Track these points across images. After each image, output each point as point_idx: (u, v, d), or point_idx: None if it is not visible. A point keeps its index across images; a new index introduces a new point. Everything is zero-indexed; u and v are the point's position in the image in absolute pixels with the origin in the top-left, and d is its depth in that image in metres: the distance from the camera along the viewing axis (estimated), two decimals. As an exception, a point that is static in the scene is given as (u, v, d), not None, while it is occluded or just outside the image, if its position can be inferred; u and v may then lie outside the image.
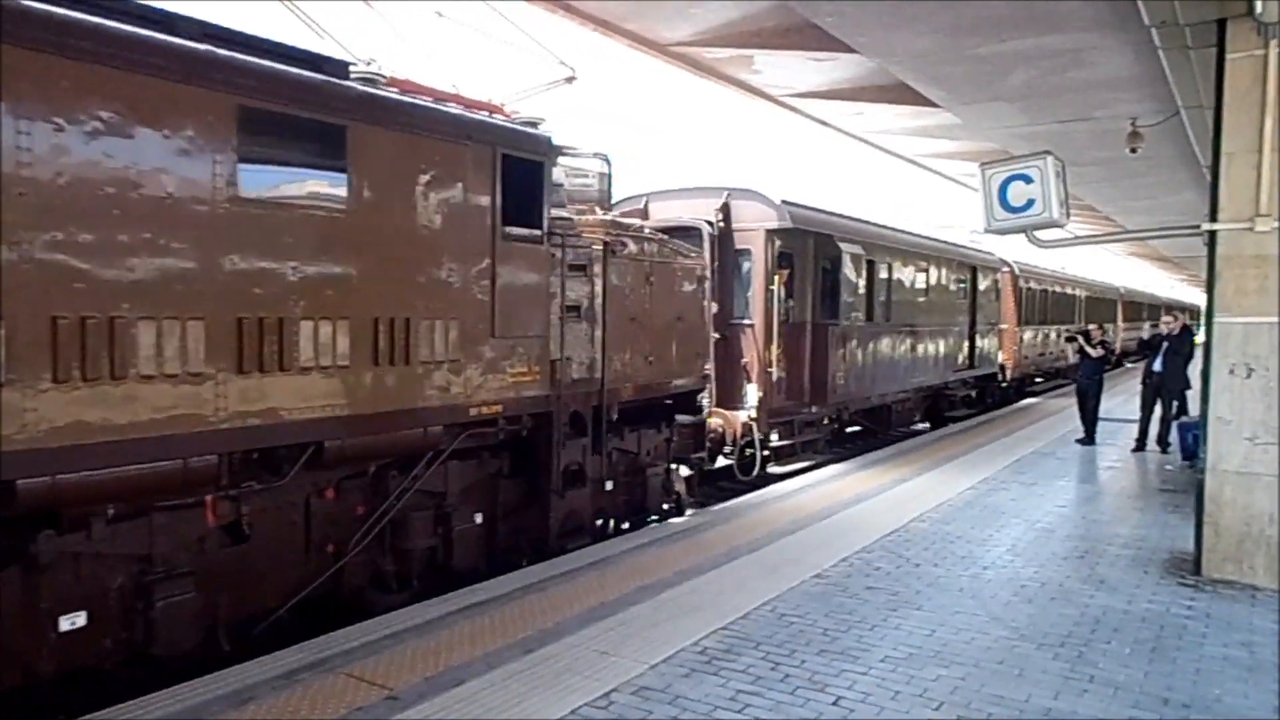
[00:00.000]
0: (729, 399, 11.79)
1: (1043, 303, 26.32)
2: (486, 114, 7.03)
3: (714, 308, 10.63)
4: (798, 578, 6.75)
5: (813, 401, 12.78)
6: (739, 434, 11.50)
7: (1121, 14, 8.50)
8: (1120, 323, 38.33)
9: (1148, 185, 19.14)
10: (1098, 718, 4.50)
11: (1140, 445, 13.35)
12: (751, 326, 11.91)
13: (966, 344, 19.29)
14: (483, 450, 7.17)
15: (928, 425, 18.10)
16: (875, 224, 15.35)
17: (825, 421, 14.01)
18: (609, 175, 8.44)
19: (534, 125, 7.34)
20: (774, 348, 11.78)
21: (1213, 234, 6.97)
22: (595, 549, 7.66)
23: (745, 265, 12.03)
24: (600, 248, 8.04)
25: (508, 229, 6.86)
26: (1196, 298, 66.43)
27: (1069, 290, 30.17)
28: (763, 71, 13.64)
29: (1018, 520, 8.81)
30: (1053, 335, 27.11)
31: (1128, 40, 9.46)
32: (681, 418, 9.58)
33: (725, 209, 12.00)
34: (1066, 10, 8.86)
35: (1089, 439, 14.04)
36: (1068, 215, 7.63)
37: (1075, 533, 8.43)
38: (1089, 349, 14.25)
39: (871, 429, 16.29)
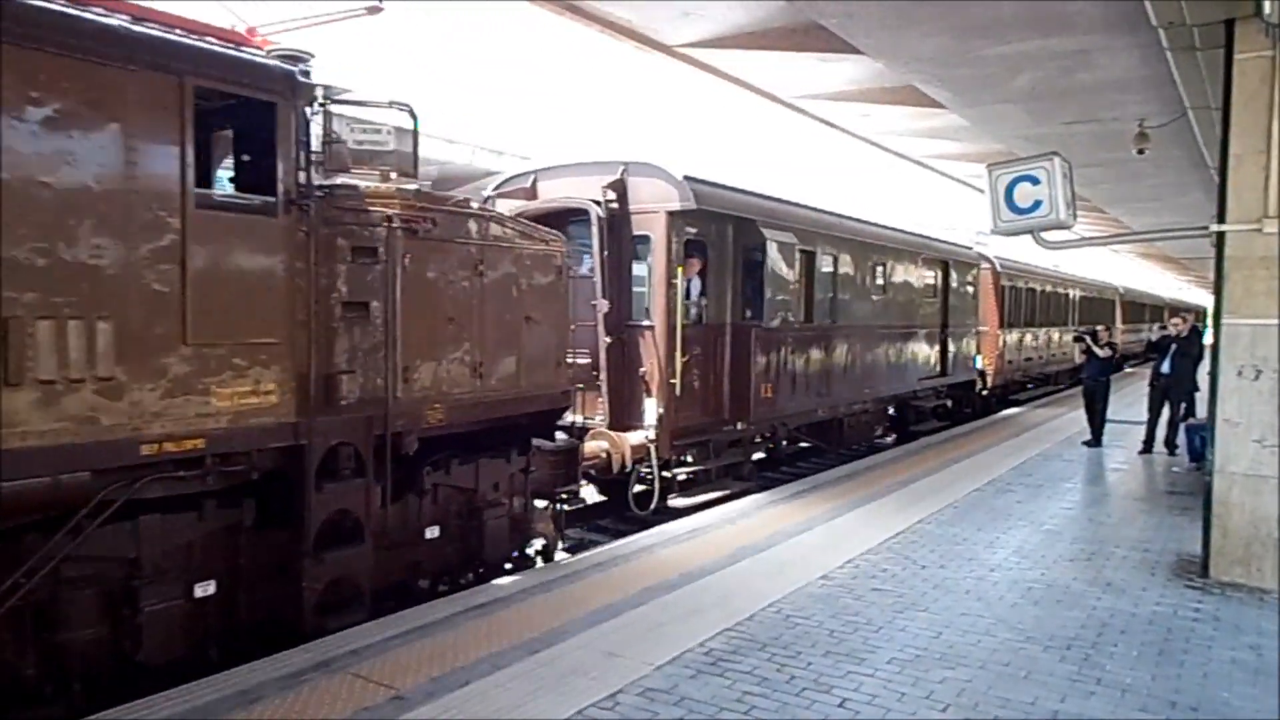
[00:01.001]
0: (626, 417, 9.78)
1: (1030, 303, 24.20)
2: (203, 39, 5.18)
3: (605, 306, 9.50)
4: (803, 579, 6.75)
5: (735, 417, 10.69)
6: (628, 459, 9.47)
7: (1128, 15, 8.48)
8: (1119, 324, 36.41)
9: (1155, 187, 19.08)
10: (1105, 720, 4.49)
11: (1147, 447, 13.30)
12: (651, 329, 9.74)
13: (937, 348, 17.06)
14: (207, 498, 5.29)
15: (894, 439, 16.11)
16: (816, 209, 12.93)
17: (757, 440, 12.01)
18: (414, 133, 6.03)
19: (296, 61, 5.53)
20: (679, 354, 9.61)
21: (1220, 235, 6.95)
22: (601, 550, 7.66)
23: (645, 255, 9.95)
24: (395, 225, 6.08)
25: (206, 192, 5.27)
26: (1201, 299, 66.18)
27: (1060, 289, 28.07)
28: (769, 74, 13.64)
29: (1024, 522, 8.79)
30: (1042, 338, 25.17)
31: (1135, 42, 9.44)
32: (542, 443, 7.86)
33: (620, 187, 9.88)
34: (1073, 12, 8.84)
35: (1096, 441, 13.99)
36: (1075, 216, 7.61)
37: (1082, 535, 8.40)
38: (1096, 349, 14.21)
39: (822, 446, 14.16)
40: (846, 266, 13.23)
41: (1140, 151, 13.09)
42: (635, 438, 9.56)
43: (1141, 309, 44.02)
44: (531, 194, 10.44)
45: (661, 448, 9.65)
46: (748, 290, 10.99)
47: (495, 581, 6.72)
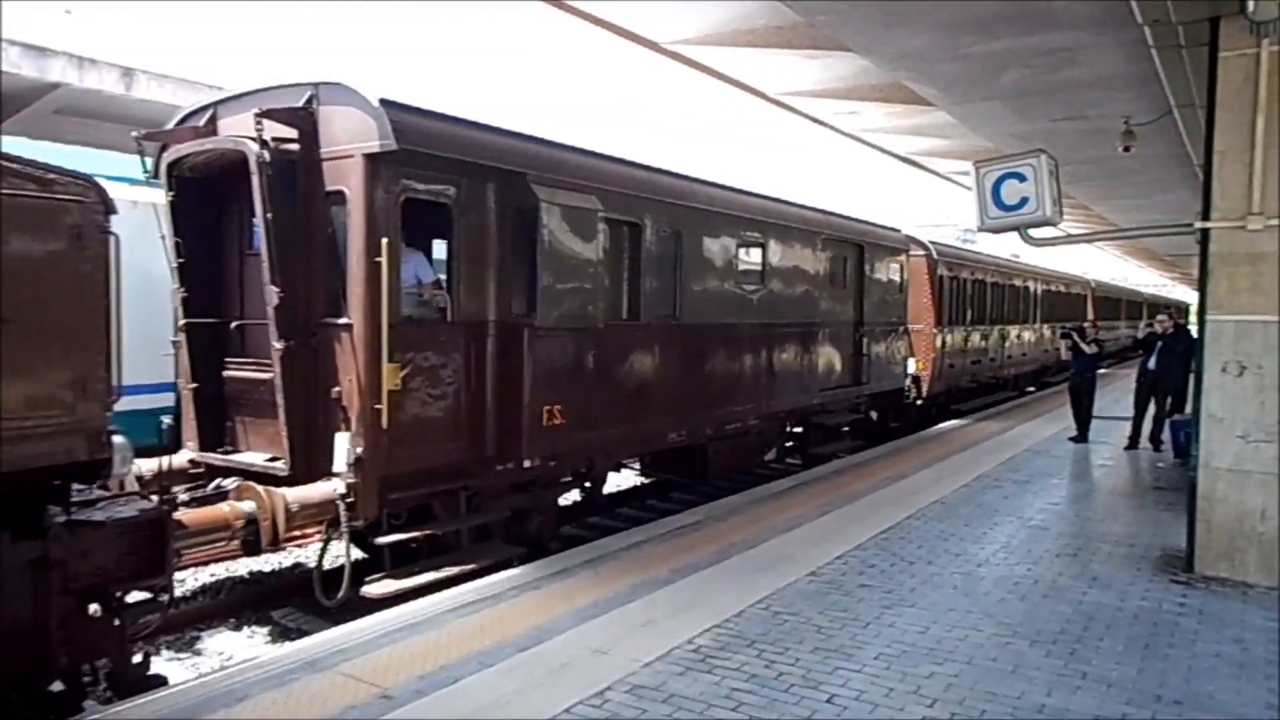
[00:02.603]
0: (319, 459, 6.75)
1: (976, 296, 20.66)
2: None
3: (274, 296, 6.65)
4: (792, 575, 6.76)
5: (504, 454, 7.61)
6: (282, 526, 6.35)
7: (1115, 13, 8.51)
8: (1084, 322, 34.90)
9: (1141, 184, 19.17)
10: (1091, 714, 4.52)
11: (1133, 443, 13.40)
12: (349, 329, 6.68)
13: (849, 351, 13.82)
14: None
15: (799, 463, 13.30)
16: (644, 167, 9.64)
17: (564, 480, 8.91)
18: None
19: None
20: (387, 366, 6.56)
21: (1205, 232, 7.00)
22: (590, 546, 7.66)
23: (341, 220, 6.85)
24: None
25: None
26: (1184, 295, 66.47)
27: (1016, 281, 24.19)
28: (756, 70, 13.63)
29: (1011, 518, 8.83)
30: (994, 337, 21.78)
31: (1121, 39, 9.48)
32: (93, 514, 5.09)
33: (307, 120, 6.92)
34: (1060, 9, 8.87)
35: (1082, 437, 14.09)
36: (1061, 214, 7.66)
37: (1068, 530, 8.45)
38: (1083, 346, 14.30)
39: (676, 480, 11.65)
40: (700, 246, 10.02)
41: (1126, 149, 13.16)
42: (316, 492, 6.53)
43: (1117, 305, 41.16)
44: (211, 129, 7.54)
45: (363, 504, 6.62)
46: (522, 275, 7.83)
47: (484, 579, 6.70)
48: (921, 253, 17.73)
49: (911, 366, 16.90)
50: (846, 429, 14.64)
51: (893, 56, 10.92)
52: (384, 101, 6.67)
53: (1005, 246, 25.31)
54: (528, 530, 8.20)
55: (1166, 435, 12.94)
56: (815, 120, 16.53)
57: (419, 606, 6.02)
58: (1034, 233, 7.88)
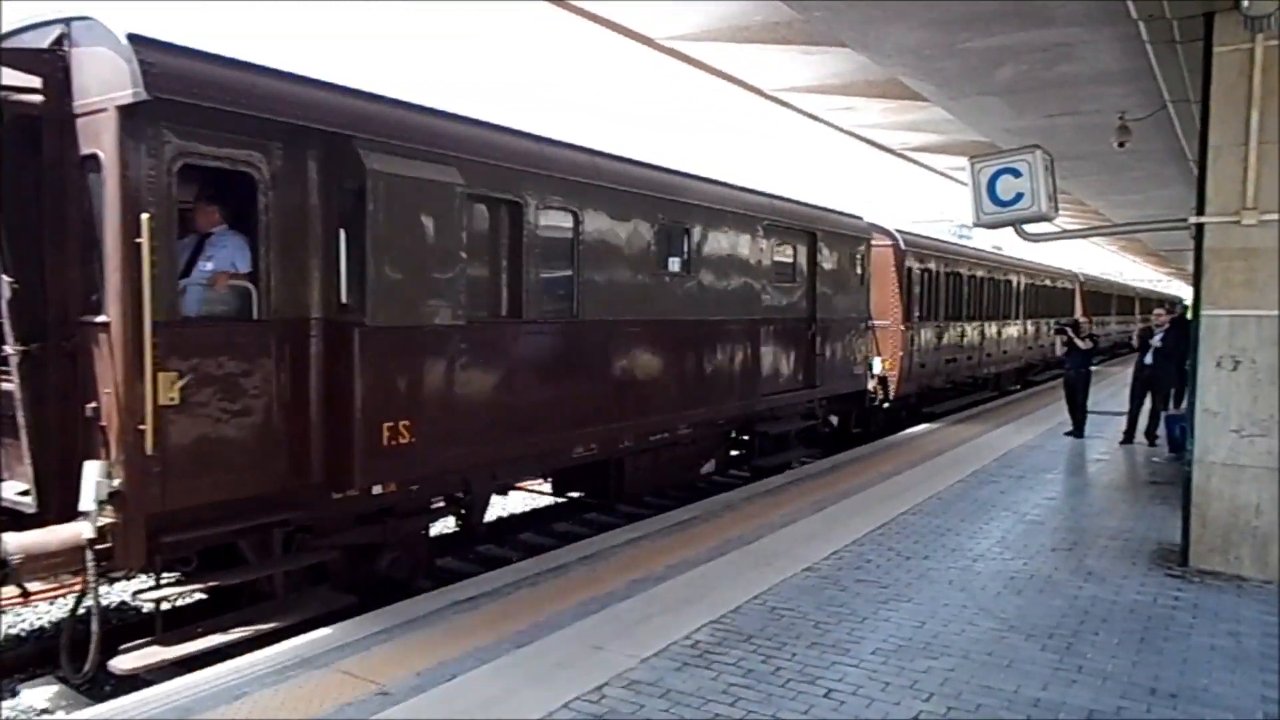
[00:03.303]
0: (72, 493, 5.24)
1: (951, 290, 19.12)
2: None
3: (6, 289, 5.40)
4: (788, 571, 6.77)
5: (334, 482, 6.19)
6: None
7: (1110, 8, 8.51)
8: (1082, 317, 33.40)
9: (1136, 179, 19.19)
10: (1086, 708, 4.53)
11: (1128, 438, 13.43)
12: (106, 329, 5.32)
13: (801, 350, 12.47)
14: None
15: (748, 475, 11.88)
16: (526, 135, 8.06)
17: (433, 508, 7.52)
18: None
19: None
20: (151, 375, 5.19)
21: (1200, 227, 7.01)
22: (586, 543, 7.67)
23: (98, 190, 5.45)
24: None
25: None
26: (1178, 290, 66.44)
27: (998, 275, 22.61)
28: (752, 66, 13.63)
29: (1007, 513, 8.85)
30: (972, 334, 20.43)
31: (1116, 34, 9.48)
32: None
33: (57, 67, 5.55)
34: (1055, 5, 8.87)
35: (1078, 432, 14.13)
36: (1056, 209, 7.66)
37: (1064, 525, 8.48)
38: (1078, 341, 14.34)
39: (591, 501, 10.46)
40: (605, 231, 8.61)
41: (1121, 144, 13.17)
42: (53, 537, 5.14)
43: (1106, 300, 39.03)
44: None
45: (124, 550, 5.23)
46: (351, 263, 6.29)
47: (481, 575, 6.71)
48: (887, 242, 16.17)
49: (877, 366, 15.65)
50: (800, 436, 13.30)
51: (888, 52, 10.92)
52: (134, 38, 5.23)
53: (991, 238, 24.85)
54: (377, 569, 6.81)
55: (1161, 430, 12.98)
56: (811, 116, 16.53)
57: (417, 603, 6.03)
58: (1029, 228, 7.89)
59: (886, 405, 16.11)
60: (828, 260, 13.12)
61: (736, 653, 5.19)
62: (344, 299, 6.21)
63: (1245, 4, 6.29)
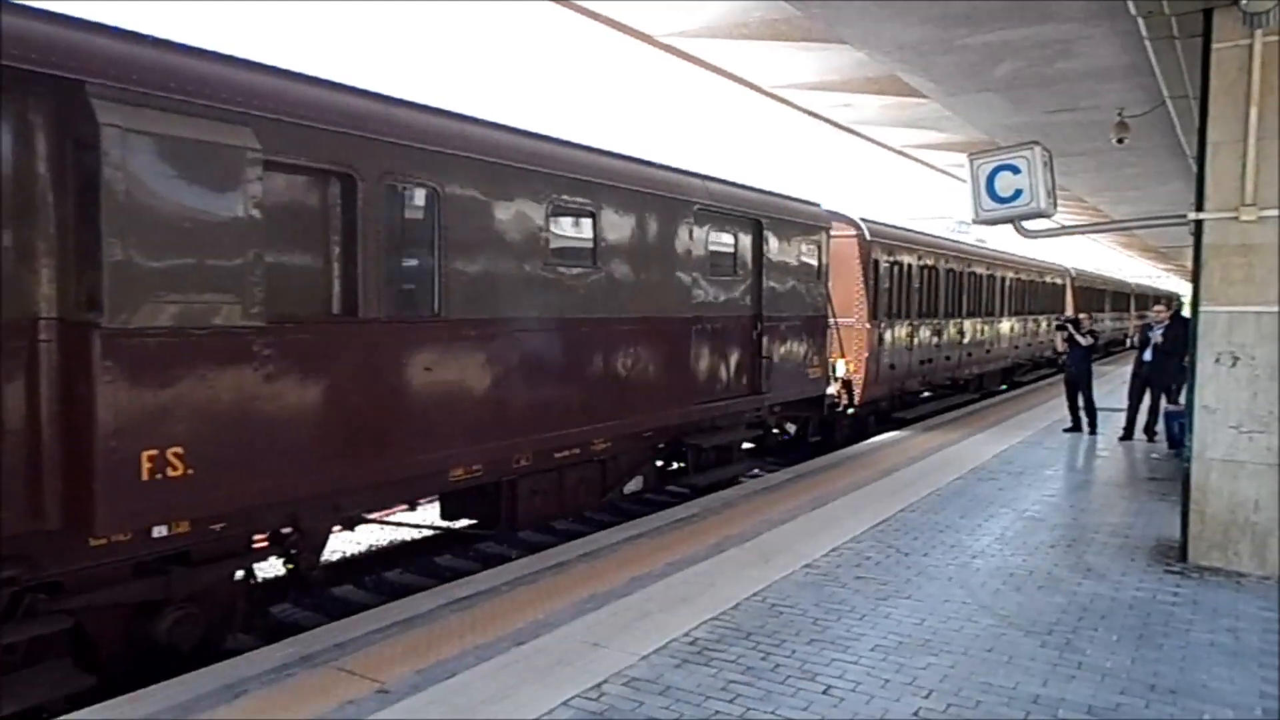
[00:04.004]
0: None
1: (926, 285, 17.62)
2: None
3: None
4: (788, 568, 6.77)
5: (75, 527, 4.84)
6: None
7: (1108, 4, 8.53)
8: (1079, 314, 31.64)
9: (1135, 176, 19.23)
10: (1085, 704, 4.54)
11: (1128, 434, 13.45)
12: None
13: (745, 352, 11.04)
14: None
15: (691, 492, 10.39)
16: (354, 91, 6.53)
17: (218, 560, 5.80)
18: None
19: None
20: None
21: (1199, 223, 7.01)
22: (587, 540, 7.67)
23: None
24: None
25: None
26: (1173, 285, 66.30)
27: (978, 269, 20.86)
28: (751, 63, 13.62)
29: (1006, 509, 8.86)
30: (950, 333, 18.90)
31: (1114, 30, 9.50)
32: None
33: None
34: (1054, 1, 8.88)
35: (1077, 427, 14.15)
36: (1055, 205, 7.66)
37: (1063, 521, 8.48)
38: (1079, 337, 14.35)
39: (477, 534, 8.98)
40: (478, 214, 7.17)
41: (1120, 140, 13.19)
42: None
43: (1100, 296, 37.02)
44: None
45: None
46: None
47: (480, 574, 6.71)
48: (850, 233, 14.61)
49: (841, 368, 14.24)
50: (747, 446, 12.09)
51: (887, 49, 10.94)
52: None
53: (977, 232, 23.65)
54: (156, 633, 5.40)
55: (1160, 426, 12.99)
56: (810, 113, 16.56)
57: (415, 601, 6.03)
58: (1028, 225, 7.89)
59: (852, 411, 14.63)
60: (777, 251, 11.62)
61: (736, 650, 5.19)
62: (80, 294, 4.85)
63: (1244, 0, 6.28)
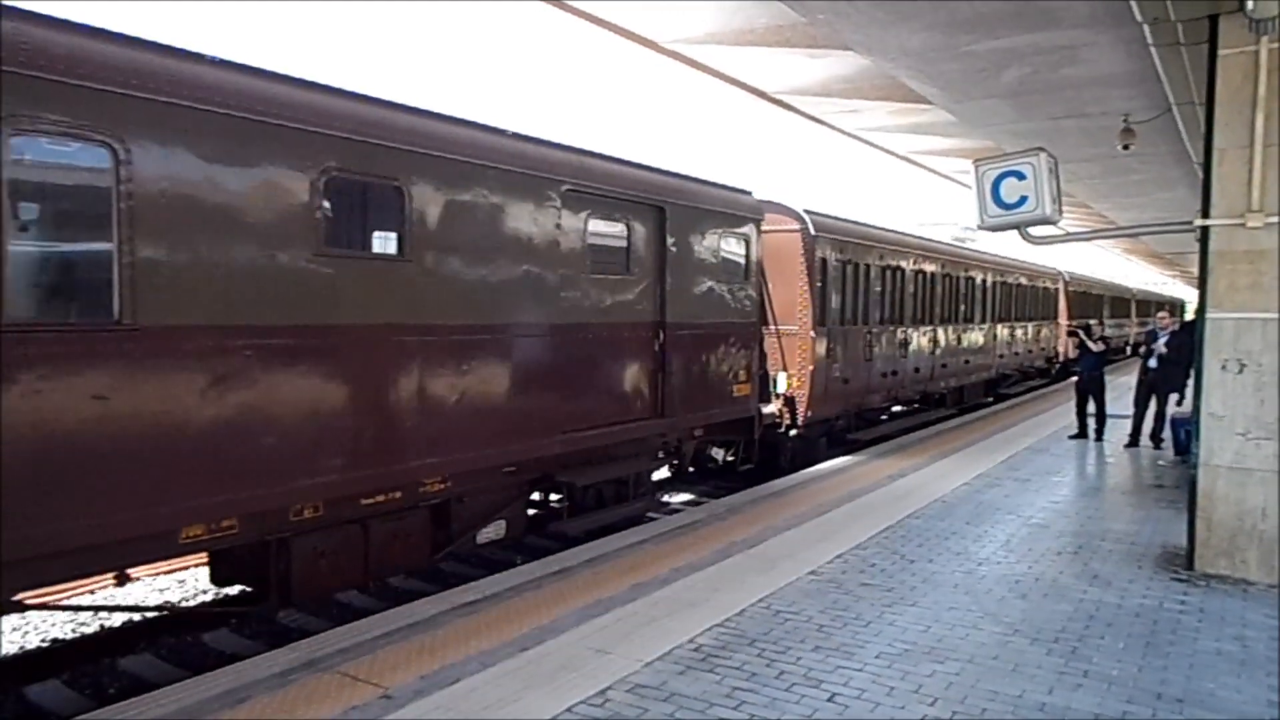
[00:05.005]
0: None
1: (891, 288, 15.63)
2: None
3: None
4: (793, 574, 6.76)
5: None
6: None
7: (1114, 11, 8.51)
8: (1066, 321, 27.96)
9: (1141, 182, 19.17)
10: (1092, 713, 4.52)
11: (1134, 441, 13.41)
12: None
13: (643, 366, 9.23)
14: None
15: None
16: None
17: None
18: None
19: None
20: None
21: (1205, 230, 7.00)
22: (591, 546, 7.67)
23: None
24: None
25: None
26: (1176, 292, 65.97)
27: (953, 271, 18.64)
28: (756, 69, 13.64)
29: (1012, 516, 8.83)
30: (920, 341, 16.77)
31: (1120, 37, 9.48)
32: None
33: None
34: (1060, 7, 8.87)
35: (1082, 434, 14.13)
36: (1060, 212, 7.64)
37: (1069, 528, 8.45)
38: (1090, 343, 14.33)
39: (235, 615, 7.24)
40: (195, 183, 5.35)
41: (1125, 147, 13.16)
42: None
43: (1097, 302, 34.32)
44: None
45: None
46: None
47: (484, 579, 6.70)
48: (791, 226, 12.68)
49: (781, 383, 12.48)
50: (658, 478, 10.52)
51: (893, 55, 10.93)
52: None
53: (983, 237, 21.27)
54: None
55: (1167, 433, 12.96)
56: (815, 119, 16.55)
57: (419, 606, 6.02)
58: (1034, 231, 7.87)
59: (795, 432, 12.60)
60: (687, 245, 9.75)
61: (740, 656, 5.18)
62: None
63: (1250, 6, 6.28)
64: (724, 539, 7.79)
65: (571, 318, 8.25)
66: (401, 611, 5.92)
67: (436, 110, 7.17)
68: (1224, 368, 6.87)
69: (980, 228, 7.94)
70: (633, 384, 9.16)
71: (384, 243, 6.73)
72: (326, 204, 6.03)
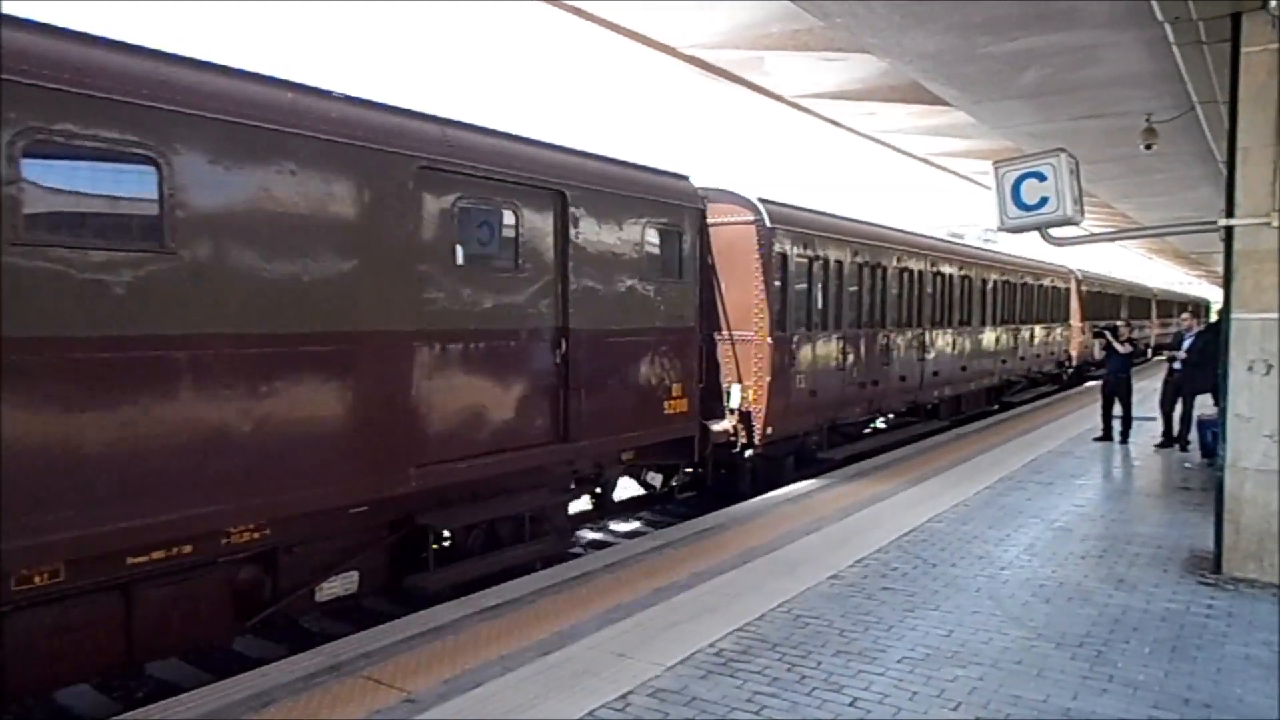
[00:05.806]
0: None
1: (870, 287, 13.90)
2: None
3: None
4: (813, 579, 6.74)
5: None
6: None
7: (1135, 10, 8.45)
8: (1079, 323, 26.67)
9: (1164, 181, 18.98)
10: (1117, 718, 4.47)
11: (1166, 442, 13.31)
12: None
13: (544, 382, 7.81)
14: None
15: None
16: None
17: None
18: None
19: None
20: None
21: (1229, 230, 6.92)
22: (610, 551, 7.68)
23: None
24: None
25: None
26: (1202, 292, 64.98)
27: (945, 269, 16.84)
28: (774, 73, 13.65)
29: (1035, 520, 8.76)
30: (905, 346, 15.03)
31: (1141, 36, 9.40)
32: None
33: None
34: (1079, 7, 8.82)
35: (1106, 436, 14.01)
36: (1082, 212, 7.58)
37: (1094, 532, 8.37)
38: (1117, 345, 14.22)
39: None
40: None
41: (1148, 147, 13.04)
42: None
43: (1115, 302, 32.04)
44: None
45: None
46: None
47: (507, 583, 6.73)
48: (746, 218, 11.01)
49: (735, 397, 10.93)
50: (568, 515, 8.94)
51: (910, 58, 10.90)
52: None
53: (955, 229, 20.33)
54: None
55: (1194, 435, 12.83)
56: (833, 122, 16.53)
57: (442, 610, 6.06)
58: (1055, 232, 7.82)
59: (752, 452, 11.00)
60: (598, 237, 8.31)
61: (762, 661, 5.17)
62: None
63: (1273, 4, 6.23)
64: (744, 543, 7.78)
65: (434, 323, 6.76)
66: (424, 616, 5.95)
67: (216, 60, 5.57)
68: (1250, 369, 6.79)
69: (1000, 229, 7.89)
70: (525, 403, 7.63)
71: (129, 232, 5.02)
72: (29, 179, 4.53)
